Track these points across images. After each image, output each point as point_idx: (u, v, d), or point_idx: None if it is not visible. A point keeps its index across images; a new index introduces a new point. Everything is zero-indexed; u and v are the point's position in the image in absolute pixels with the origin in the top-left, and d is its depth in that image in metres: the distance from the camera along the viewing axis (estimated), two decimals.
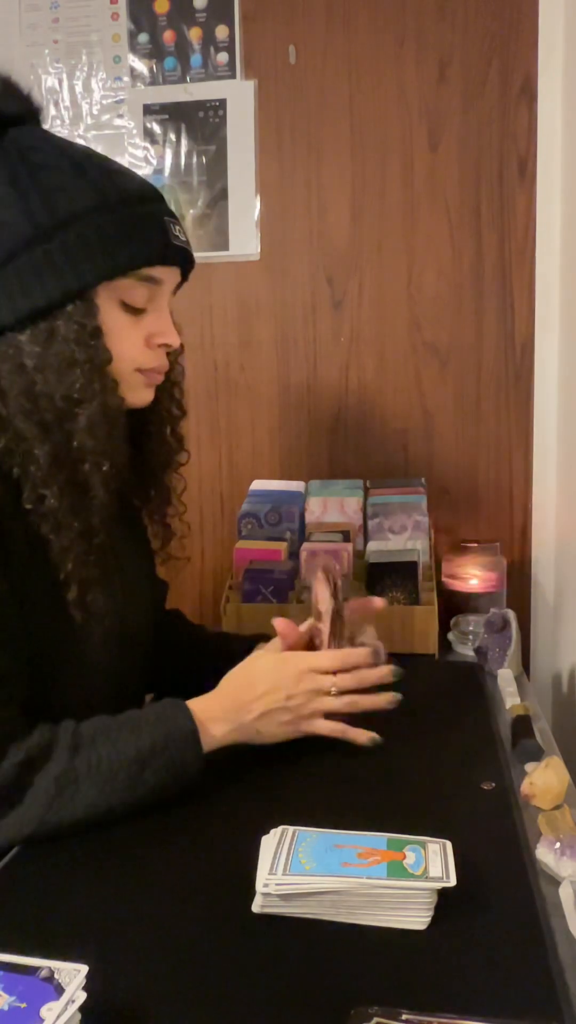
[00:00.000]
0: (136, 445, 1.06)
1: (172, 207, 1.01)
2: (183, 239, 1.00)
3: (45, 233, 0.91)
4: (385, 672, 1.03)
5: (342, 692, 1.01)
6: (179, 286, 1.04)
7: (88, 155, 0.97)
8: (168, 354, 1.04)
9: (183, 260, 1.01)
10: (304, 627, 1.08)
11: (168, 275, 1.00)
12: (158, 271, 0.97)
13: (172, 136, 1.80)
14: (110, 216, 0.93)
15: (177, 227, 0.99)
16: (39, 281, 0.91)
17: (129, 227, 0.94)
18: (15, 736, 0.87)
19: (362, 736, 1.03)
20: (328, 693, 1.00)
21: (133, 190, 0.97)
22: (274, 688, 0.99)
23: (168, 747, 0.91)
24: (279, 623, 1.06)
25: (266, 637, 1.14)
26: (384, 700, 1.03)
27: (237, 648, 1.15)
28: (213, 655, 1.20)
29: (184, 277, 1.04)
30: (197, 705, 0.96)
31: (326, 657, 1.03)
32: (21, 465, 0.92)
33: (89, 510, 0.95)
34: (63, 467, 0.92)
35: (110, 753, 0.89)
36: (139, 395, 1.01)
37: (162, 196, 1.00)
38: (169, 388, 1.08)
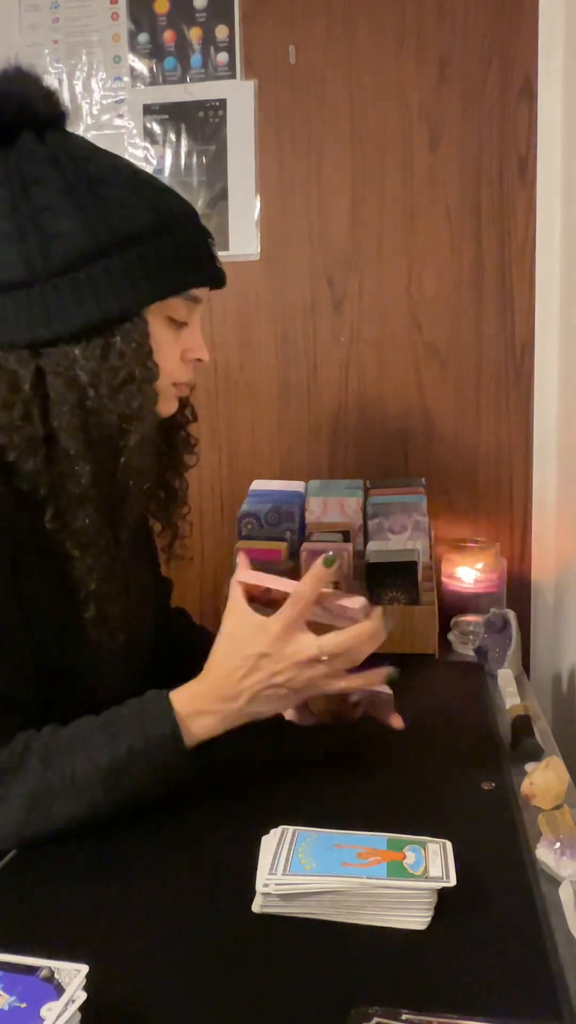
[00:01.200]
0: None
1: None
2: (220, 262, 1.02)
3: (105, 249, 0.90)
4: (373, 626, 0.92)
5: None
6: None
7: (136, 170, 0.98)
8: None
9: (223, 283, 1.03)
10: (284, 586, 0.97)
11: (206, 294, 1.02)
12: (201, 291, 1.00)
13: (172, 136, 1.80)
14: (167, 237, 0.94)
15: (215, 247, 1.01)
16: (96, 296, 0.90)
17: (184, 249, 0.96)
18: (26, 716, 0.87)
19: (378, 676, 0.95)
20: (316, 660, 0.89)
21: (183, 211, 0.98)
22: (256, 667, 0.89)
23: (147, 751, 0.87)
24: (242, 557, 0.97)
25: None
26: (381, 673, 0.95)
27: None
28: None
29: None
30: (181, 698, 0.90)
31: (296, 610, 0.89)
32: (54, 484, 0.91)
33: (119, 526, 0.95)
34: (102, 485, 0.93)
35: (84, 763, 0.86)
36: (168, 407, 1.02)
37: (195, 211, 1.01)
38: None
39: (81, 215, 0.90)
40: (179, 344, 0.99)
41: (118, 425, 0.92)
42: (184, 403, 1.10)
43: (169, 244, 0.94)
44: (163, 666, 1.20)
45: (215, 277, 1.01)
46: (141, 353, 0.93)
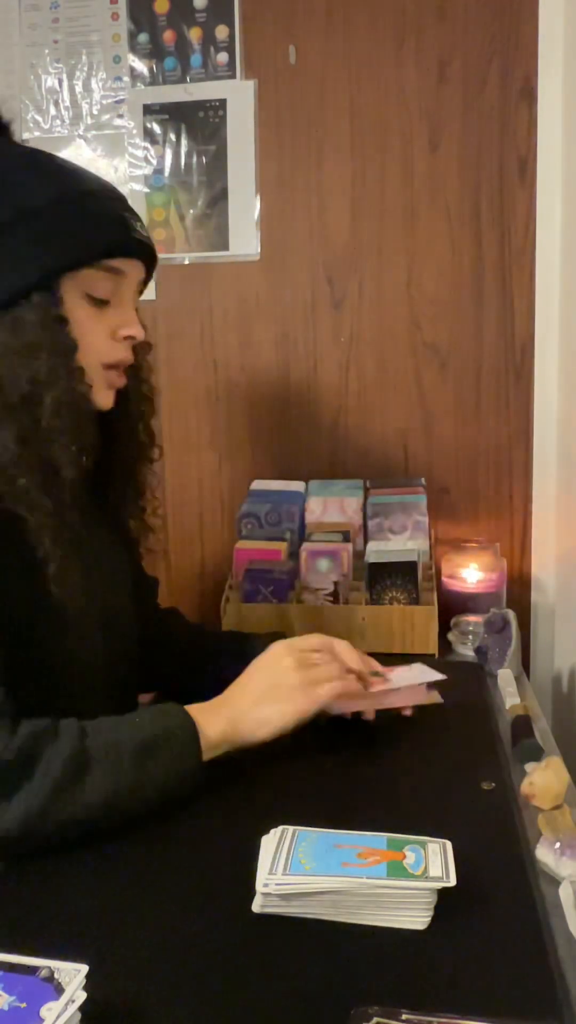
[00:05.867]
0: (109, 441, 1.07)
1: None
2: (145, 234, 1.02)
3: (6, 227, 0.93)
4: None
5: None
6: (145, 284, 1.07)
7: (49, 156, 1.01)
8: (136, 351, 1.05)
9: (145, 254, 1.03)
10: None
11: (131, 268, 1.02)
12: (120, 263, 1.00)
13: (172, 136, 1.80)
14: (71, 208, 0.96)
15: (138, 223, 1.02)
16: (1, 274, 0.93)
17: (89, 219, 0.97)
18: (21, 713, 0.87)
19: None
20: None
21: (92, 186, 1.00)
22: (261, 669, 1.01)
23: (169, 740, 0.91)
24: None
25: (281, 635, 1.15)
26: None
27: (245, 647, 1.15)
28: (212, 653, 1.21)
29: (148, 274, 1.06)
30: (193, 707, 0.96)
31: (312, 637, 1.06)
32: None
33: (60, 489, 0.96)
34: (31, 447, 0.94)
35: (116, 740, 0.88)
36: (101, 397, 1.02)
37: (122, 196, 1.03)
38: (138, 385, 1.09)
39: None
40: (105, 322, 1.00)
41: (32, 391, 0.94)
42: (138, 394, 1.10)
43: (73, 215, 0.96)
44: (159, 665, 1.21)
45: (129, 247, 1.00)
46: (48, 321, 0.94)
